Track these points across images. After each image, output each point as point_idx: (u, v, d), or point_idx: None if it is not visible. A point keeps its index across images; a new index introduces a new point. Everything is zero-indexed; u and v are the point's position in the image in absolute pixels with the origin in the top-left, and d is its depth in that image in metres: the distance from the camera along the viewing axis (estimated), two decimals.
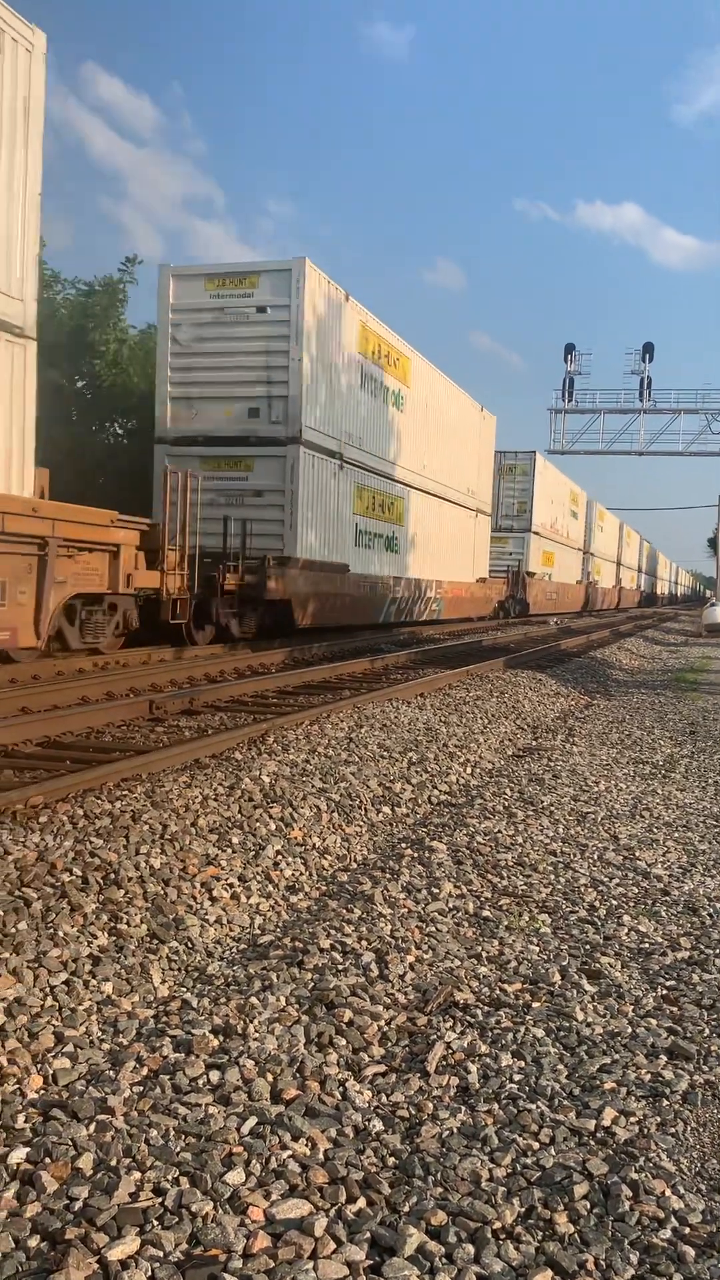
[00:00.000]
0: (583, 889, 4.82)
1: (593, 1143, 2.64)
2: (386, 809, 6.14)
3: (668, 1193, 2.44)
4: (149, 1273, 2.07)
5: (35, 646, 9.19)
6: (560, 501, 39.04)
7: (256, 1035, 3.12)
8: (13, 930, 3.49)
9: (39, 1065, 2.91)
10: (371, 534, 18.69)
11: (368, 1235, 2.21)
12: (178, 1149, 2.50)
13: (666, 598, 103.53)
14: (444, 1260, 2.15)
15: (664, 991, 3.64)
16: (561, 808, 6.49)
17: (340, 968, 3.67)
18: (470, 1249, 2.19)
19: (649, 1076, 3.00)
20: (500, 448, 31.44)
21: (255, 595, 14.21)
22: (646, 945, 4.12)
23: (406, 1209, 2.32)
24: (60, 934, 3.56)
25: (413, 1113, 2.75)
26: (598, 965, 3.84)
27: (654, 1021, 3.38)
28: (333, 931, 4.03)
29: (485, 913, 4.41)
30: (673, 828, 6.17)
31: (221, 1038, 3.10)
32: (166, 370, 15.65)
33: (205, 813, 5.07)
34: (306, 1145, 2.56)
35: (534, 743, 9.22)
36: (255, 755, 6.45)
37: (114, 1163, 2.42)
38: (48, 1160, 2.42)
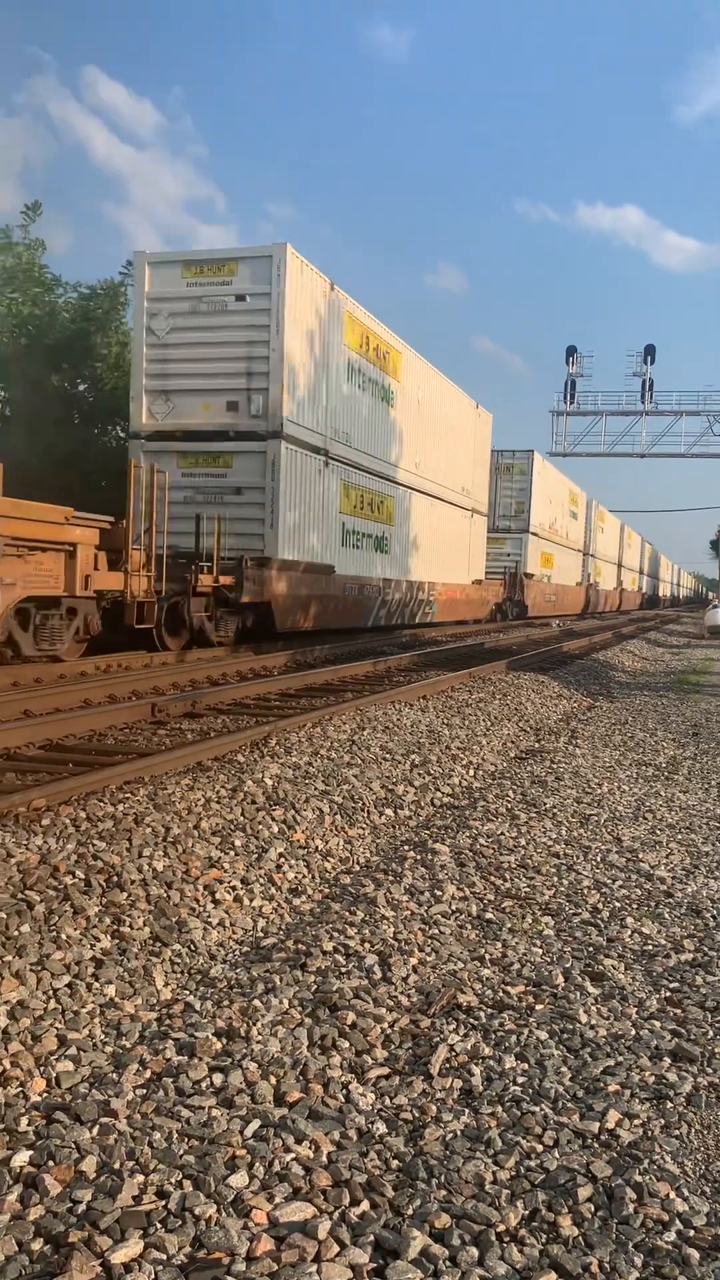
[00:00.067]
0: (586, 891, 4.81)
1: (597, 1145, 2.63)
2: (389, 811, 6.14)
3: (672, 1195, 2.43)
4: (152, 1276, 2.07)
5: None
6: (559, 502, 38.77)
7: (259, 1038, 3.11)
8: (15, 933, 3.49)
9: (42, 1068, 2.90)
10: (360, 534, 18.13)
11: (371, 1238, 2.21)
12: (181, 1152, 2.49)
13: (668, 600, 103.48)
14: (448, 1263, 2.15)
15: (667, 994, 3.63)
16: (564, 810, 6.49)
17: (343, 970, 3.67)
18: (474, 1252, 2.18)
19: (653, 1079, 2.99)
20: (499, 448, 31.33)
21: (232, 598, 13.55)
22: (650, 947, 4.11)
23: (410, 1212, 2.31)
24: (63, 937, 3.56)
25: (416, 1115, 2.75)
26: (601, 967, 3.83)
27: (658, 1024, 3.38)
28: (336, 934, 4.03)
29: (488, 915, 4.41)
30: (676, 829, 6.16)
31: (224, 1040, 3.10)
32: (142, 362, 15.07)
33: (208, 815, 5.07)
34: (310, 1148, 2.56)
35: (537, 745, 9.21)
36: (258, 758, 6.45)
37: (117, 1166, 2.42)
38: (51, 1163, 2.42)
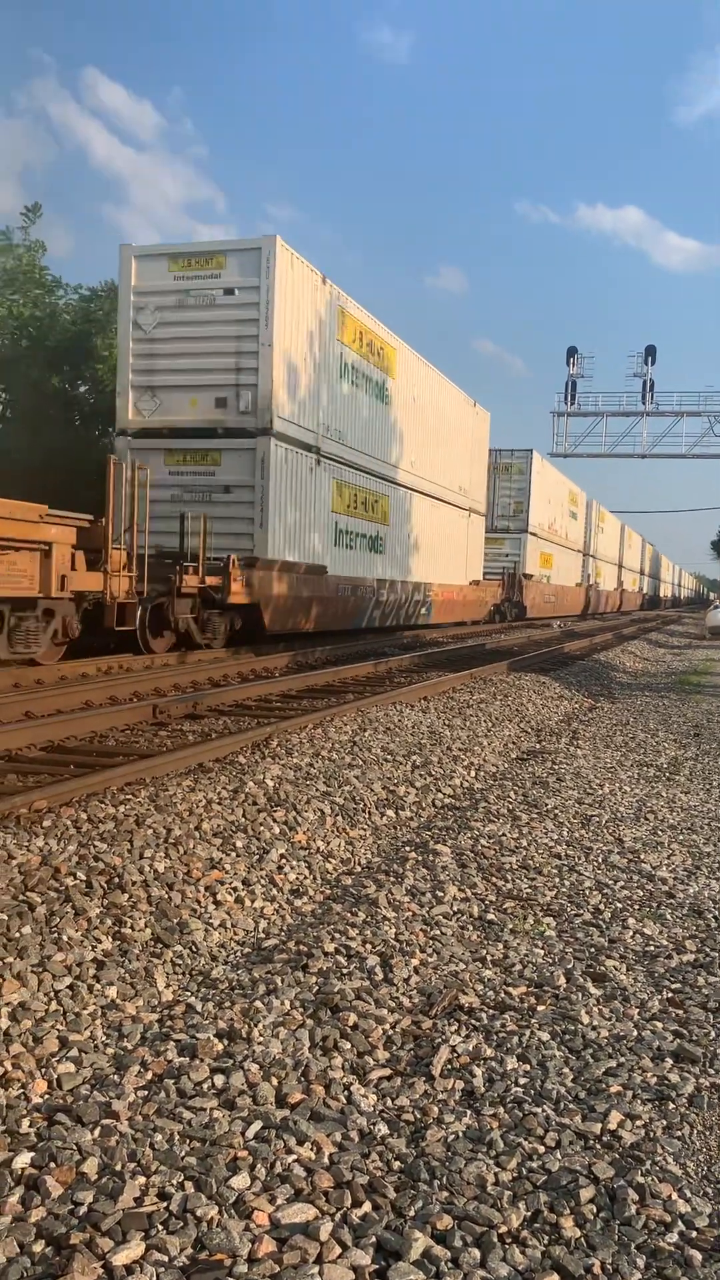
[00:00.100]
0: (587, 892, 4.81)
1: (599, 1146, 2.63)
2: (390, 812, 6.14)
3: (674, 1196, 2.43)
4: (154, 1278, 2.06)
5: None
6: (559, 502, 38.59)
7: (261, 1039, 3.11)
8: (17, 935, 3.49)
9: (43, 1070, 2.90)
10: (353, 533, 17.71)
11: (373, 1239, 2.21)
12: (182, 1153, 2.49)
13: (670, 600, 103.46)
14: (450, 1265, 2.15)
15: (669, 994, 3.63)
16: (566, 811, 6.48)
17: (345, 971, 3.67)
18: (476, 1253, 2.18)
19: (655, 1080, 2.99)
20: (498, 448, 31.15)
21: (218, 599, 13.08)
22: (652, 948, 4.11)
23: (412, 1213, 2.31)
24: (64, 938, 3.56)
25: (418, 1116, 2.75)
26: (603, 968, 3.83)
27: (659, 1024, 3.37)
28: (337, 935, 4.02)
29: (490, 916, 4.40)
30: (677, 830, 6.15)
31: (226, 1042, 3.10)
32: (128, 358, 14.68)
33: (209, 816, 5.07)
34: (311, 1149, 2.55)
35: (538, 746, 9.20)
36: (259, 759, 6.45)
37: (119, 1167, 2.41)
38: (52, 1165, 2.42)
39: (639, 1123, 2.75)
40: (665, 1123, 2.77)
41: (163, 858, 4.42)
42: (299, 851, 5.06)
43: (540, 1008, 3.46)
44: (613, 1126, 2.71)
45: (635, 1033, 3.30)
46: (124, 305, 14.78)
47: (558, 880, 4.98)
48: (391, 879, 4.83)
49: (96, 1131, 2.57)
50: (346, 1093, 2.85)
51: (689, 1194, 2.45)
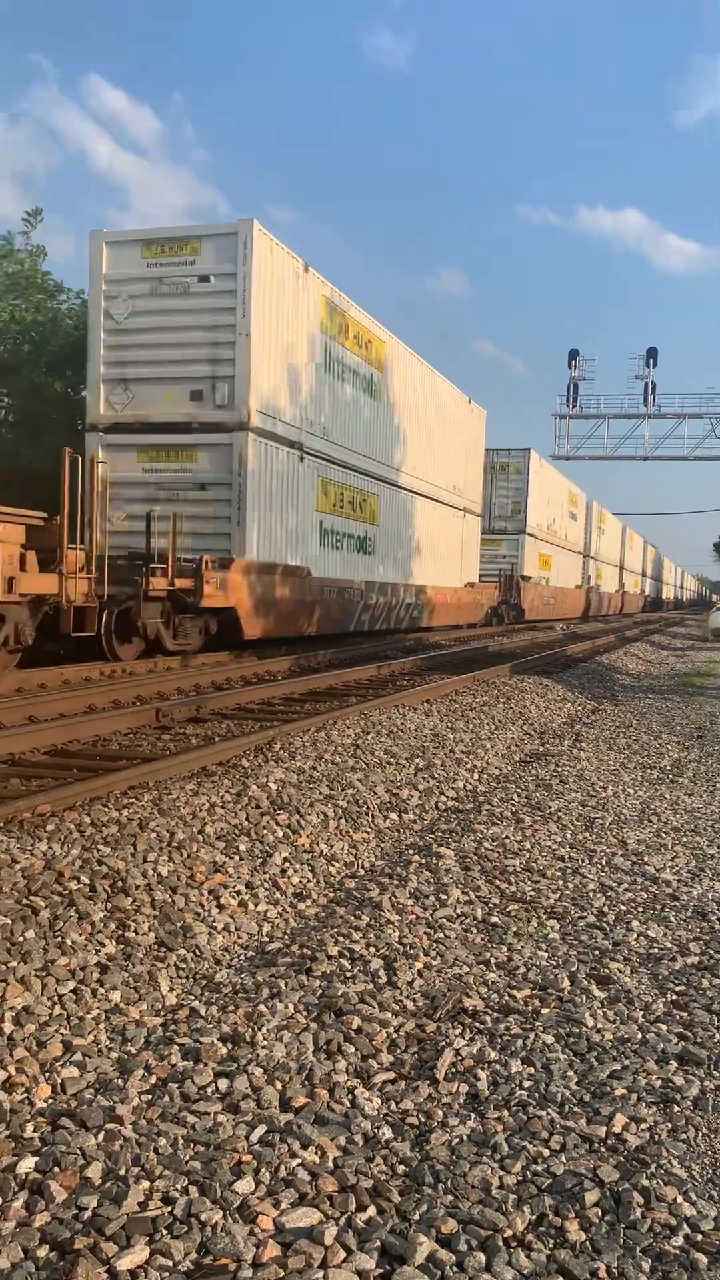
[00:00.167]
0: (591, 894, 4.80)
1: (603, 1149, 2.62)
2: (394, 815, 6.13)
3: (679, 1200, 2.42)
4: None
5: None
6: (558, 502, 38.29)
7: (265, 1043, 3.11)
8: (20, 939, 3.49)
9: (47, 1074, 2.90)
10: (340, 534, 16.95)
11: (378, 1244, 2.20)
12: (187, 1158, 2.49)
13: (672, 602, 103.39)
14: (455, 1269, 2.14)
15: (674, 997, 3.62)
16: (569, 813, 6.47)
17: (348, 975, 3.66)
18: (481, 1257, 2.18)
19: (659, 1082, 2.99)
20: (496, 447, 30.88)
21: (190, 603, 12.35)
22: (656, 950, 4.10)
23: (417, 1217, 2.30)
24: (68, 942, 3.56)
25: (422, 1120, 2.74)
26: (607, 971, 3.82)
27: (664, 1027, 3.37)
28: (341, 938, 4.02)
29: (493, 919, 4.40)
30: (681, 832, 6.15)
31: (230, 1045, 3.09)
32: (99, 349, 13.98)
33: (212, 820, 5.07)
34: (316, 1153, 2.55)
35: (541, 748, 9.20)
36: (262, 762, 6.45)
37: (123, 1172, 2.41)
38: (56, 1169, 2.42)
39: (644, 1126, 2.74)
40: (670, 1126, 2.76)
41: (166, 861, 4.42)
42: (302, 855, 5.06)
43: (544, 1010, 3.45)
44: (617, 1130, 2.71)
45: (640, 1035, 3.30)
46: (95, 294, 14.15)
47: (561, 883, 4.98)
48: (395, 882, 4.82)
49: (100, 1136, 2.57)
50: (350, 1096, 2.85)
51: (694, 1197, 2.44)
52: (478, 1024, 3.33)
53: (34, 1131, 2.61)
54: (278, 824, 5.30)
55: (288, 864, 4.88)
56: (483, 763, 8.02)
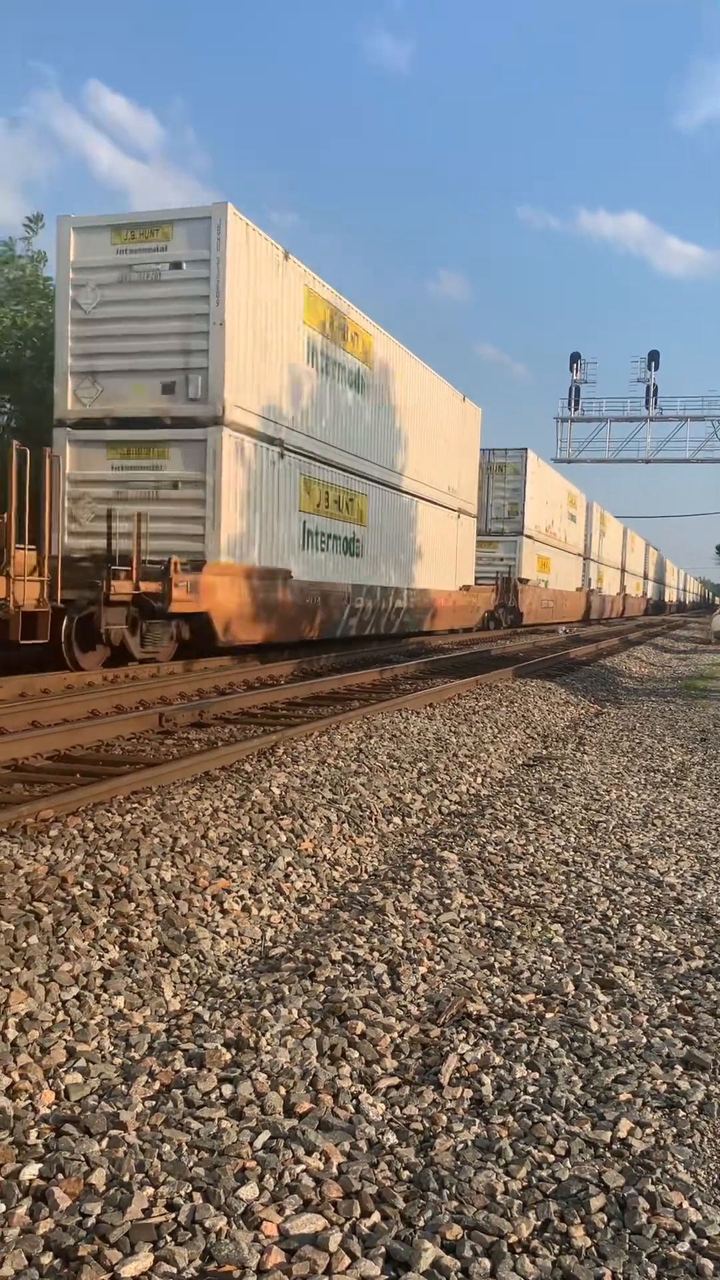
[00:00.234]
0: (595, 898, 4.79)
1: (609, 1155, 2.61)
2: (397, 819, 6.13)
3: (685, 1205, 2.41)
4: None
5: None
6: (557, 504, 37.91)
7: (269, 1048, 3.10)
8: (24, 945, 3.49)
9: (51, 1080, 2.90)
10: (325, 535, 16.23)
11: (382, 1250, 2.20)
12: (190, 1164, 2.48)
13: (675, 605, 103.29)
14: (460, 1275, 2.13)
15: (678, 1001, 3.61)
16: (573, 817, 6.46)
17: (352, 980, 3.66)
18: (486, 1263, 2.17)
19: (665, 1087, 2.98)
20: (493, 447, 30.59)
21: (158, 607, 11.73)
22: (660, 954, 4.09)
23: (421, 1223, 2.30)
24: (71, 948, 3.55)
25: (427, 1125, 2.73)
26: (611, 975, 3.81)
27: (669, 1031, 3.36)
28: (344, 943, 4.01)
29: (497, 923, 4.39)
30: (685, 836, 6.13)
31: (234, 1051, 3.09)
32: (67, 340, 13.28)
33: (215, 825, 5.07)
34: (320, 1159, 2.54)
35: (544, 752, 9.19)
36: (265, 767, 6.44)
37: (126, 1178, 2.41)
38: (60, 1176, 2.41)
39: (649, 1130, 2.73)
40: (675, 1130, 2.75)
41: (169, 866, 4.41)
42: (306, 859, 5.05)
43: (549, 1015, 3.44)
44: (623, 1134, 2.70)
45: (644, 1040, 3.29)
46: (62, 283, 13.48)
47: (565, 887, 4.97)
48: (398, 886, 4.82)
49: (104, 1142, 2.56)
50: (355, 1102, 2.84)
51: (700, 1202, 2.43)
52: (482, 1029, 3.32)
53: (38, 1138, 2.60)
54: (281, 828, 5.29)
55: (291, 868, 4.87)
56: (486, 766, 8.01)
